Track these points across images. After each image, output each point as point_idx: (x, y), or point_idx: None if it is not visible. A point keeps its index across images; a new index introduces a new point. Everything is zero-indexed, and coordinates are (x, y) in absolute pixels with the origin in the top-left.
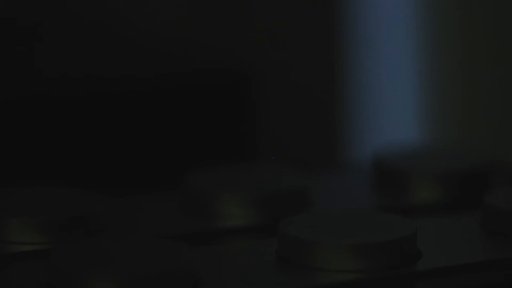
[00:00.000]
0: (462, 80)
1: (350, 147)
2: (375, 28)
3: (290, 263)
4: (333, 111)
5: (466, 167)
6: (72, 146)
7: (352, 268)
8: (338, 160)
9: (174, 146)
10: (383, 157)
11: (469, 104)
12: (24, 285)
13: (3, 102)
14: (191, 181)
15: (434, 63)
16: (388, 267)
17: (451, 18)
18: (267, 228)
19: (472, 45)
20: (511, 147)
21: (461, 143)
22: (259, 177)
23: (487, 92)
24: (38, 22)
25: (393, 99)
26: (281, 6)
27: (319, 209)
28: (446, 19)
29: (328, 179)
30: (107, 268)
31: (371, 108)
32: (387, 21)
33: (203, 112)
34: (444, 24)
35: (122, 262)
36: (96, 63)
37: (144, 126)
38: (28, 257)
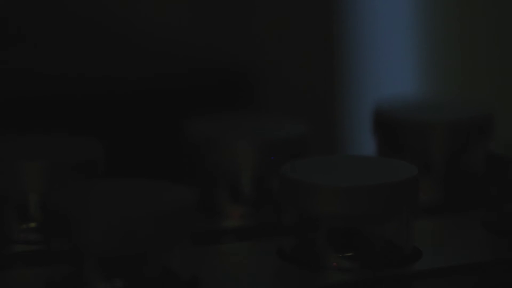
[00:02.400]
0: (460, 36)
1: (350, 146)
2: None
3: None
4: (333, 109)
5: (465, 119)
6: None
7: (352, 212)
8: None
9: (174, 146)
10: (384, 109)
11: (468, 59)
12: (24, 284)
13: (3, 102)
14: (190, 128)
15: (433, 18)
16: (389, 210)
17: None
18: (267, 228)
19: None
20: (510, 100)
21: (461, 96)
22: (259, 125)
23: (486, 47)
24: (38, 23)
25: (393, 56)
26: (281, 6)
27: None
28: None
29: None
30: (105, 209)
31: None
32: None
33: (203, 112)
34: None
35: (120, 203)
36: (97, 64)
37: (145, 126)
38: (28, 257)
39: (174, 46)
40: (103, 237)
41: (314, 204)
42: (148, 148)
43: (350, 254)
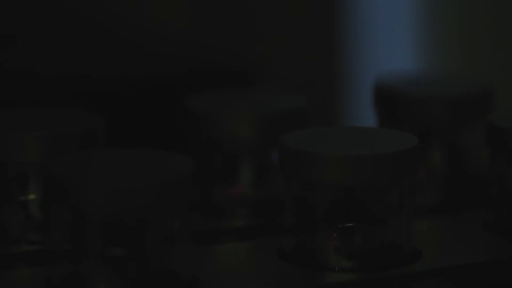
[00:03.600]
0: (460, 10)
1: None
2: None
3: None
4: (333, 107)
5: (465, 93)
6: None
7: (354, 181)
8: None
9: (174, 147)
10: (385, 84)
11: (468, 33)
12: (24, 284)
13: (3, 102)
14: (190, 103)
15: None
16: (391, 180)
17: None
18: (267, 227)
19: None
20: (511, 74)
21: (461, 70)
22: (259, 99)
23: (486, 22)
24: (38, 23)
25: (394, 30)
26: (281, 6)
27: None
28: None
29: None
30: (104, 176)
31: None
32: None
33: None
34: None
35: (119, 171)
36: (97, 64)
37: (145, 125)
38: (28, 257)
39: (175, 45)
40: (102, 203)
41: (316, 174)
42: (148, 124)
43: (350, 224)
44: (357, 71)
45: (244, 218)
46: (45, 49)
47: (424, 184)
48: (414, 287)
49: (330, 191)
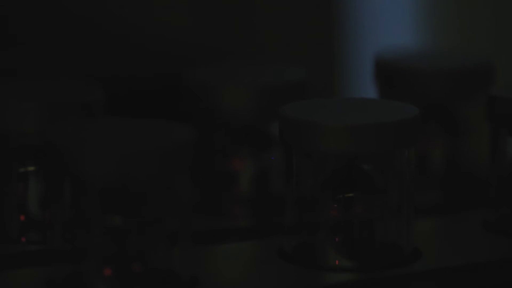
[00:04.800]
0: None
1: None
2: None
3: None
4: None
5: (466, 67)
6: None
7: (358, 150)
8: None
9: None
10: (385, 58)
11: (467, 7)
12: (24, 284)
13: None
14: (191, 76)
15: None
16: (391, 148)
17: None
18: (267, 227)
19: None
20: (509, 50)
21: (461, 45)
22: (258, 71)
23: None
24: (39, 23)
25: (394, 5)
26: (281, 7)
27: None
28: None
29: None
30: (103, 141)
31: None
32: None
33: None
34: None
35: (119, 138)
36: (97, 64)
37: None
38: (28, 257)
39: (174, 46)
40: (100, 168)
41: (317, 143)
42: (148, 98)
43: (351, 195)
44: (357, 46)
45: (244, 218)
46: (45, 49)
47: (424, 183)
48: (414, 287)
49: (331, 161)
